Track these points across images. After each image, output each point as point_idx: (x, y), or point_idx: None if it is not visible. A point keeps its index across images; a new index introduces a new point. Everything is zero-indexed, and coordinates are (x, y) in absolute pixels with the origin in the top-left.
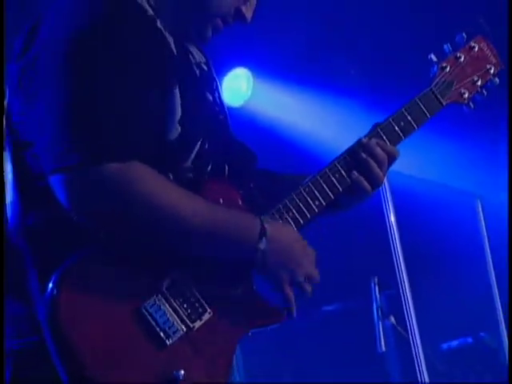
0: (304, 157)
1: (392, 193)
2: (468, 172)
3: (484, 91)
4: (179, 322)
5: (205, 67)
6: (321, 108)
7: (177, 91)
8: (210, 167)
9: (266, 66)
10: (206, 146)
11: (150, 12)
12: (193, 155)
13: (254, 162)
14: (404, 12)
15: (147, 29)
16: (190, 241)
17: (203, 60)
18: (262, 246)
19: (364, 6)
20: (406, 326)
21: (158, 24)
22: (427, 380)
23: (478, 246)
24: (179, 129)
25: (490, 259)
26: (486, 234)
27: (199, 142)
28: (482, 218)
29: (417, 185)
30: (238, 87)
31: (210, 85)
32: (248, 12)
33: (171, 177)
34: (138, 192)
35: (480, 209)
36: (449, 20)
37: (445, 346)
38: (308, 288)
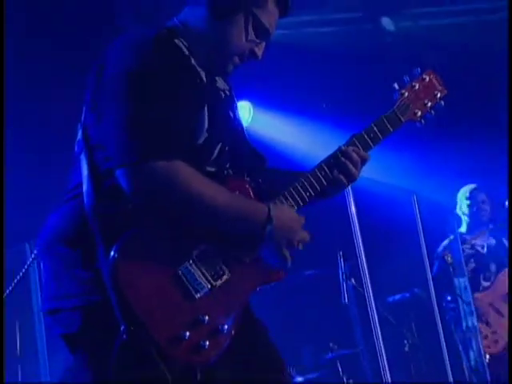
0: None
1: (353, 190)
2: (407, 174)
3: (432, 111)
4: (205, 281)
5: (228, 93)
6: (303, 131)
7: (205, 109)
8: (228, 164)
9: (263, 100)
10: (226, 149)
11: (186, 52)
12: (214, 155)
13: (264, 162)
14: (361, 64)
15: (183, 65)
16: (217, 219)
17: (227, 88)
18: (270, 224)
19: (336, 59)
20: (363, 285)
21: (193, 61)
22: (376, 319)
23: (413, 228)
24: (206, 135)
25: (422, 237)
26: (419, 219)
27: (219, 146)
28: (417, 208)
29: (372, 184)
30: (241, 116)
31: (231, 106)
32: (259, 51)
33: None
34: (180, 182)
35: (415, 201)
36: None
37: (390, 299)
38: (300, 247)
